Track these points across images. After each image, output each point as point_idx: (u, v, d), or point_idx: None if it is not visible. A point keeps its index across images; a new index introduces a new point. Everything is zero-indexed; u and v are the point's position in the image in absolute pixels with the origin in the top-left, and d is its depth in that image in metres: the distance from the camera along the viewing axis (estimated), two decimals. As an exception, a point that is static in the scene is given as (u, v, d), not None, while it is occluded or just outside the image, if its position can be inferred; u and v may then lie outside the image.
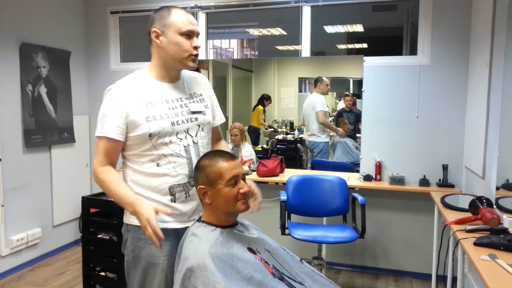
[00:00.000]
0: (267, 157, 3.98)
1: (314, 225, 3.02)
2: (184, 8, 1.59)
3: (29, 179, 3.50)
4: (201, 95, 1.66)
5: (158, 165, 1.52)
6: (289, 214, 3.03)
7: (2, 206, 3.23)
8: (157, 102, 1.52)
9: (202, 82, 1.71)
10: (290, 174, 3.24)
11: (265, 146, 4.35)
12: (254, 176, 3.52)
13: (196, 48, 1.52)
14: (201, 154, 1.55)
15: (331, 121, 4.23)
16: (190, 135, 1.57)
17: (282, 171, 3.58)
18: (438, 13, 3.14)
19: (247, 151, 4.02)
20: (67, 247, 3.92)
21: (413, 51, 3.34)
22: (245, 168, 3.74)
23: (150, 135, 1.49)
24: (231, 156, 1.48)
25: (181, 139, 1.54)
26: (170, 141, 1.52)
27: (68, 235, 3.96)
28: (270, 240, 1.57)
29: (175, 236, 1.54)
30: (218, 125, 1.78)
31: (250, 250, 1.45)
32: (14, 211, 3.35)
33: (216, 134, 1.80)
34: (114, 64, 4.08)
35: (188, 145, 1.55)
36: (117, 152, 1.54)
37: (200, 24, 3.68)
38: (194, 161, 1.54)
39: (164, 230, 1.46)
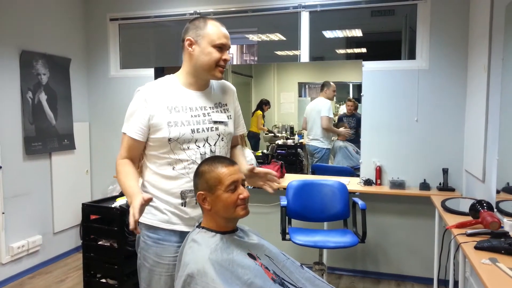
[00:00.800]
0: (267, 162, 3.98)
1: (315, 230, 3.01)
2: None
3: (30, 186, 3.50)
4: (226, 105, 1.71)
5: (174, 168, 1.57)
6: (289, 219, 3.03)
7: (3, 213, 3.22)
8: (181, 109, 1.57)
9: (230, 92, 1.75)
10: (291, 179, 3.24)
11: (265, 151, 4.34)
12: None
13: (225, 61, 1.58)
14: None
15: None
16: (209, 144, 1.60)
17: (282, 176, 3.58)
18: (436, 18, 3.15)
19: (248, 156, 4.00)
20: (67, 254, 3.92)
21: (411, 56, 3.35)
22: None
23: (169, 139, 1.54)
24: (230, 162, 1.48)
25: (199, 146, 1.58)
26: (188, 148, 1.56)
27: (68, 242, 3.95)
28: (270, 245, 1.57)
29: (181, 238, 1.56)
30: (239, 135, 1.83)
31: (250, 255, 1.45)
32: (15, 218, 3.35)
33: (235, 142, 1.84)
34: (114, 70, 4.09)
35: (205, 153, 1.59)
36: (138, 149, 1.61)
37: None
38: None
39: (171, 231, 1.57)
